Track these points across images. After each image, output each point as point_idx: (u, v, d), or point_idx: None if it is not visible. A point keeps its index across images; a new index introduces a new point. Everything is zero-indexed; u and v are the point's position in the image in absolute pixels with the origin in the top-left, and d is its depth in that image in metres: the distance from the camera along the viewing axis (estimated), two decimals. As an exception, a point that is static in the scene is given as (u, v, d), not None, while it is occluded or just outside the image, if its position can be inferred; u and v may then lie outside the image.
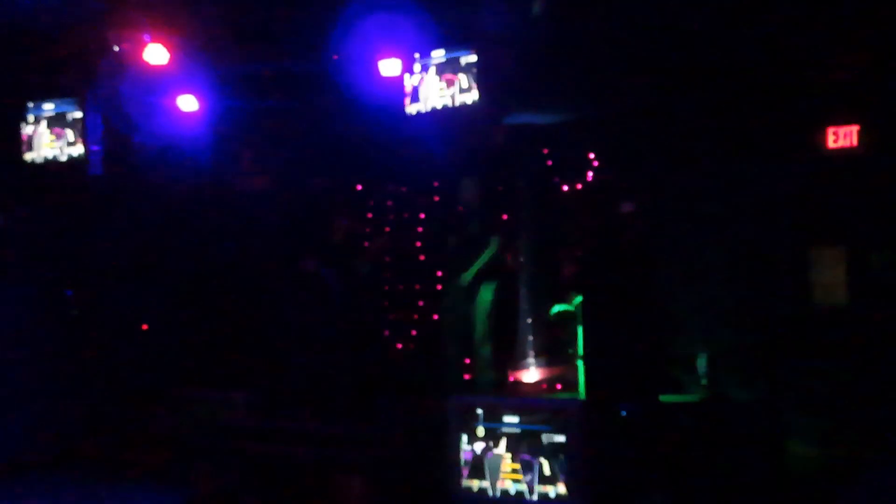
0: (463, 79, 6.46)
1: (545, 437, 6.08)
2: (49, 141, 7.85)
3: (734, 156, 6.63)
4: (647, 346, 6.51)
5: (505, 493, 6.18)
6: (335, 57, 6.99)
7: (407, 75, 6.81)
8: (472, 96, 6.39)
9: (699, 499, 5.92)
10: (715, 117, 6.72)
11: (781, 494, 5.72)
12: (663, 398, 6.35)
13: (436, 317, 8.47)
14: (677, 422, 6.15)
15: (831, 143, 6.38)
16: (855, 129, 6.33)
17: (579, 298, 7.16)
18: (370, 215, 8.40)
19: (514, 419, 6.22)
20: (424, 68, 6.81)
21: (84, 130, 7.71)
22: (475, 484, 6.30)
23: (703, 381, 6.52)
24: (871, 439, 5.64)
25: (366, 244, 7.93)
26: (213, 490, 6.39)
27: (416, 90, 6.70)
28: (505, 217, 7.91)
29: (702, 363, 6.54)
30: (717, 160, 6.67)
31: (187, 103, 7.71)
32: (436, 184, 8.29)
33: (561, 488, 5.99)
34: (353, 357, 7.21)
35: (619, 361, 6.51)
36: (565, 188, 7.95)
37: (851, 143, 6.33)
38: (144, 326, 8.60)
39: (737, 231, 6.60)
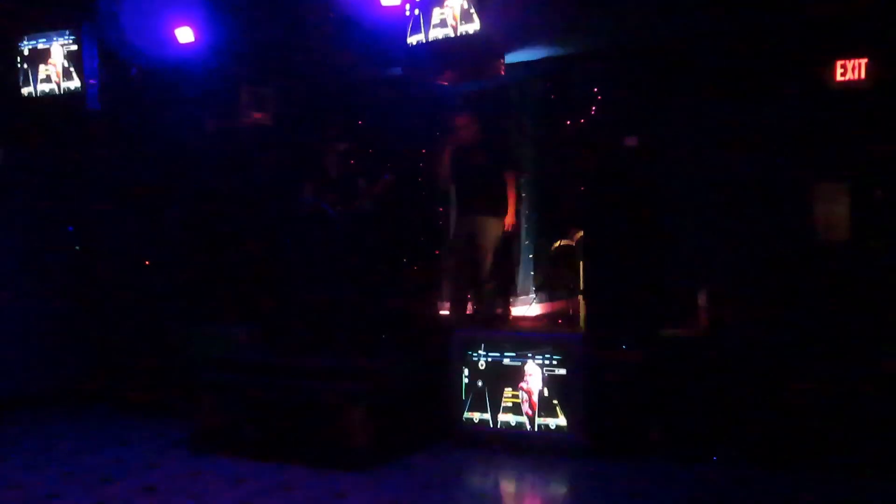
0: (465, 7, 6.29)
1: (546, 371, 6.13)
2: (45, 75, 7.75)
3: (739, 89, 6.54)
4: (649, 280, 6.52)
5: (505, 424, 6.25)
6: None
7: (408, 4, 6.65)
8: (475, 26, 6.24)
9: (697, 433, 5.98)
10: (720, 51, 6.62)
11: (779, 429, 5.76)
12: (664, 333, 6.38)
13: (438, 252, 8.49)
14: (677, 356, 6.19)
15: (839, 76, 6.29)
16: (863, 62, 6.23)
17: (581, 233, 7.17)
18: (371, 151, 8.33)
19: (515, 353, 6.27)
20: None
21: (81, 64, 7.61)
22: (476, 416, 6.37)
23: (704, 316, 6.53)
24: (872, 375, 5.66)
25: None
26: (217, 424, 6.45)
27: (416, 20, 6.54)
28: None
29: (703, 298, 6.55)
30: (722, 93, 6.58)
31: (184, 35, 7.60)
32: (438, 118, 8.20)
33: (561, 420, 6.06)
34: (356, 291, 7.21)
35: (620, 296, 6.53)
36: (568, 123, 7.88)
37: (859, 76, 6.25)
38: (147, 262, 8.59)
39: (740, 165, 6.55)
